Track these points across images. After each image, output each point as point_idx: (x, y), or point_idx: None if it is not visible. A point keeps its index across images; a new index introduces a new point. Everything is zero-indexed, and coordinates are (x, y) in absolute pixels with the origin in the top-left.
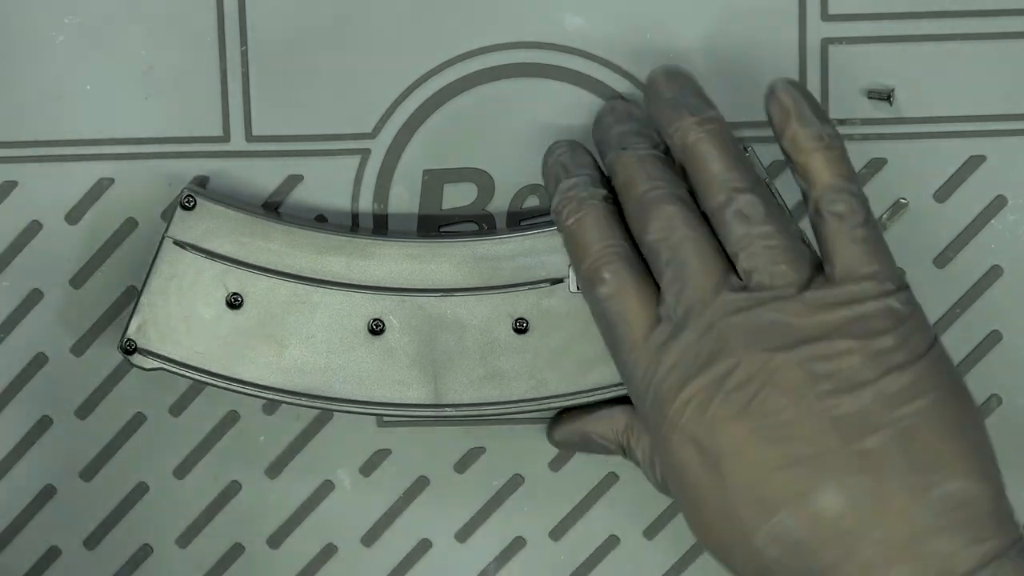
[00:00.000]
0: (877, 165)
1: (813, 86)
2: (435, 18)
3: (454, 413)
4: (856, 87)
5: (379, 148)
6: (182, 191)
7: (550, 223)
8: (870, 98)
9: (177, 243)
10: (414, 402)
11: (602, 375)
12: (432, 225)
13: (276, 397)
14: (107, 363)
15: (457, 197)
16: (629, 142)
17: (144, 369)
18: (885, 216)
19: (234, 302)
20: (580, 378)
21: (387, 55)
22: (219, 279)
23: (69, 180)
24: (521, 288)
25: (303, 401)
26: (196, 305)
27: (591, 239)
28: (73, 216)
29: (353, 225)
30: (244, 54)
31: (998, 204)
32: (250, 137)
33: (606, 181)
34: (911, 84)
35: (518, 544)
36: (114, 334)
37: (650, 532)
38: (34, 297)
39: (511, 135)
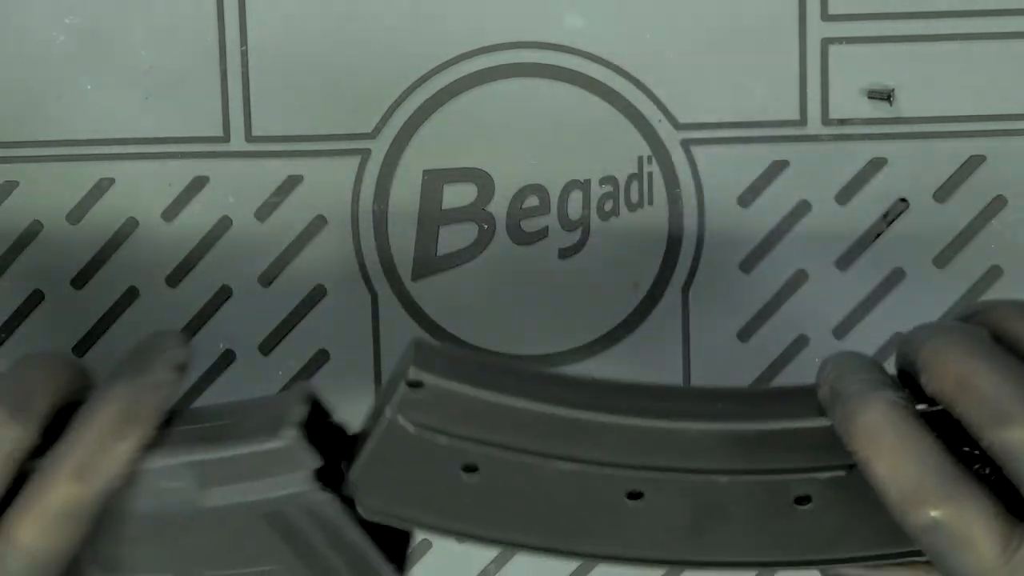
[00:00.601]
0: (877, 165)
1: (813, 86)
2: (435, 18)
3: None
4: (856, 87)
5: (379, 148)
6: (407, 370)
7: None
8: (870, 98)
9: (403, 422)
10: (676, 558)
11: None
12: (432, 225)
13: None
14: (108, 364)
15: (457, 197)
16: None
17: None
18: (885, 216)
19: (468, 468)
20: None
21: (387, 55)
22: (450, 452)
23: (70, 180)
24: (803, 473)
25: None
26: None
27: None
28: (74, 216)
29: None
30: (244, 54)
31: (998, 204)
32: (250, 137)
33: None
34: (911, 84)
35: None
36: (115, 334)
37: None
38: (35, 298)
39: (511, 135)
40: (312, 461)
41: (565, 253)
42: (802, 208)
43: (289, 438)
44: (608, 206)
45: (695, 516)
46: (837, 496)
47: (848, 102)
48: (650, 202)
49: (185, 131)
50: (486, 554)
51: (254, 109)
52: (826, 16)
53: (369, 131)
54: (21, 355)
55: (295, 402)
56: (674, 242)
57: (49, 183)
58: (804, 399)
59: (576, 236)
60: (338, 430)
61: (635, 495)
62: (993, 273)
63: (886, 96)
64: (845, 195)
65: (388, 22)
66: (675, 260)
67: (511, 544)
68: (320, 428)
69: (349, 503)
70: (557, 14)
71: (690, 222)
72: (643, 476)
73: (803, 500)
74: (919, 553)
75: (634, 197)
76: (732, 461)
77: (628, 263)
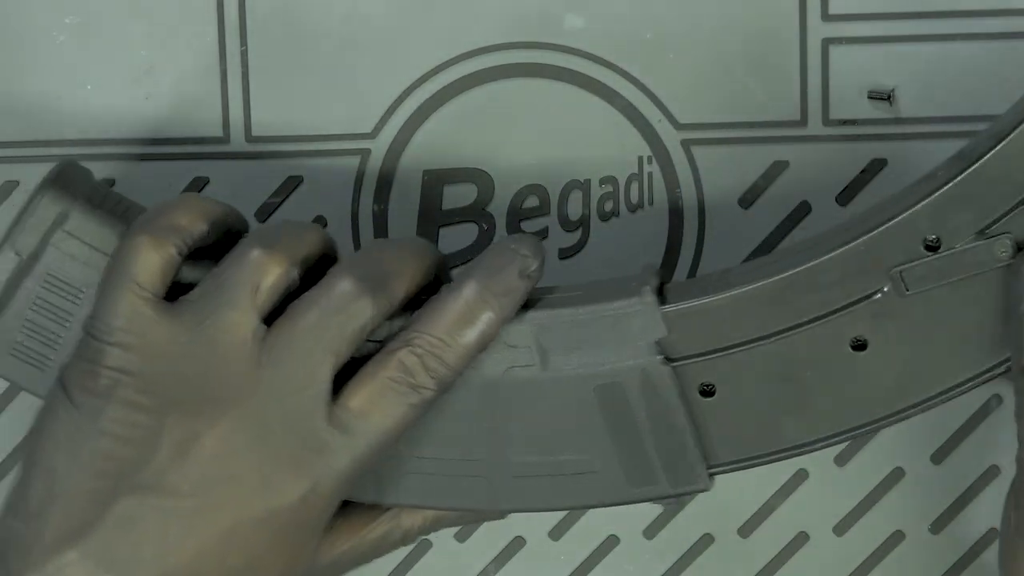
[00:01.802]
0: (877, 165)
1: (813, 86)
2: (435, 18)
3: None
4: (856, 87)
5: (379, 148)
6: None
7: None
8: (870, 98)
9: None
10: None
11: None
12: (432, 225)
13: None
14: None
15: (457, 197)
16: None
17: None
18: None
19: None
20: (943, 377)
21: (387, 55)
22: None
23: None
24: (848, 309)
25: None
26: None
27: None
28: None
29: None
30: (244, 54)
31: None
32: (250, 137)
33: None
34: (911, 84)
35: (518, 544)
36: None
37: (650, 532)
38: None
39: (511, 135)
40: (660, 329)
41: (565, 253)
42: (802, 208)
43: (647, 301)
44: (608, 206)
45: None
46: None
47: (848, 102)
48: (650, 202)
49: (185, 131)
50: (486, 554)
51: (254, 109)
52: (826, 16)
53: (369, 131)
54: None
55: (647, 275)
56: (674, 242)
57: None
58: None
59: (576, 236)
60: None
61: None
62: None
63: (886, 96)
64: (846, 196)
65: (388, 22)
66: (675, 260)
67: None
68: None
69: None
70: (557, 14)
71: (690, 222)
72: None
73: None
74: (990, 371)
75: (634, 197)
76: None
77: (628, 263)
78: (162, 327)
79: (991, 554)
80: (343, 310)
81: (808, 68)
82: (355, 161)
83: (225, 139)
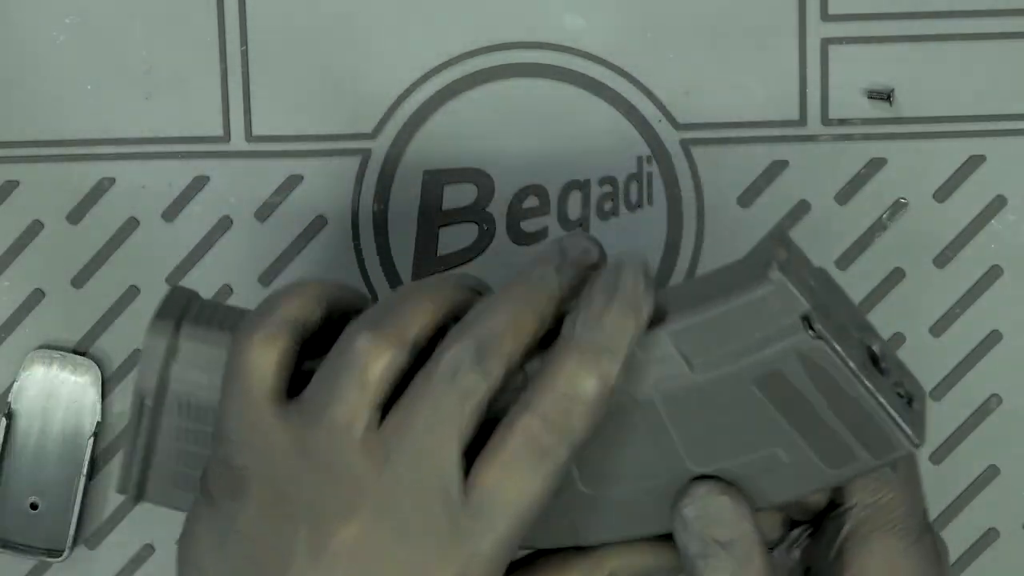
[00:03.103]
0: (877, 165)
1: (813, 86)
2: (435, 18)
3: None
4: (856, 87)
5: (379, 148)
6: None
7: None
8: (870, 98)
9: None
10: None
11: None
12: (432, 225)
13: None
14: (109, 363)
15: (457, 197)
16: None
17: None
18: (885, 216)
19: None
20: None
21: (387, 55)
22: None
23: (70, 180)
24: None
25: None
26: None
27: None
28: (74, 216)
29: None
30: (244, 54)
31: (998, 204)
32: (250, 137)
33: None
34: (911, 84)
35: None
36: (115, 333)
37: None
38: (36, 297)
39: (511, 135)
40: (799, 304)
41: None
42: (802, 208)
43: (776, 280)
44: (608, 206)
45: None
46: None
47: (848, 102)
48: (650, 202)
49: (185, 131)
50: None
51: (254, 109)
52: (826, 16)
53: (369, 131)
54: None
55: (773, 247)
56: (674, 242)
57: (49, 183)
58: None
59: None
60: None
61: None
62: (993, 273)
63: (886, 96)
64: (845, 195)
65: (388, 22)
66: (675, 260)
67: None
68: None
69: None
70: (557, 14)
71: (690, 222)
72: None
73: None
74: None
75: (634, 197)
76: None
77: None
78: (280, 428)
79: (991, 554)
80: (459, 387)
81: (807, 68)
82: (355, 161)
83: (225, 139)
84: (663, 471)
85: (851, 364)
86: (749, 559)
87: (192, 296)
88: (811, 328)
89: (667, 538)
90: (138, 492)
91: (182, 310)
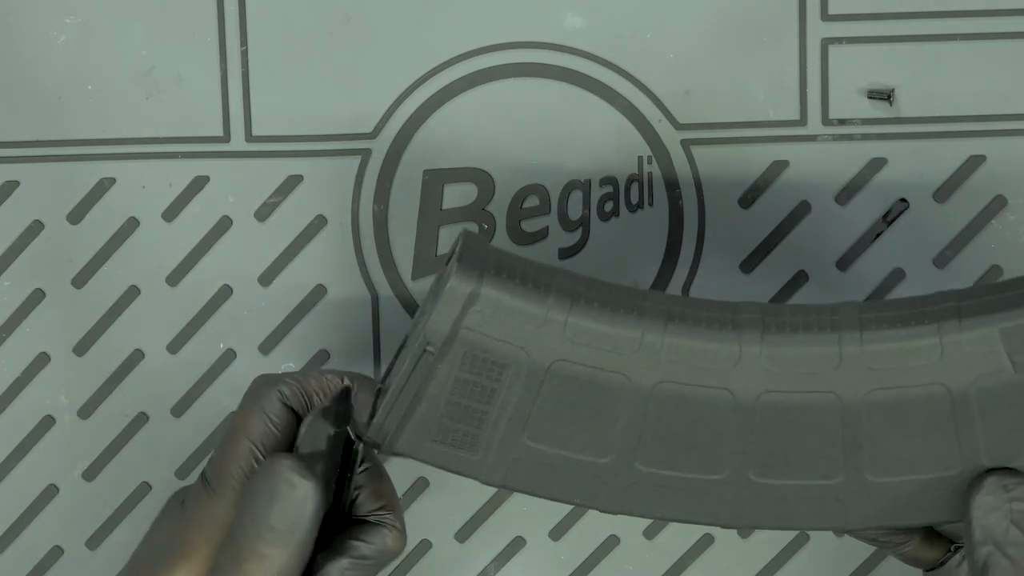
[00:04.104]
0: (877, 165)
1: (813, 86)
2: (435, 18)
3: None
4: (856, 87)
5: (379, 148)
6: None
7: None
8: (870, 98)
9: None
10: None
11: None
12: (432, 225)
13: None
14: (109, 362)
15: (457, 197)
16: None
17: None
18: (885, 216)
19: None
20: None
21: (387, 55)
22: None
23: (71, 180)
24: None
25: None
26: None
27: None
28: (75, 216)
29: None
30: (244, 54)
31: (998, 204)
32: (250, 137)
33: None
34: (911, 84)
35: (518, 544)
36: (115, 333)
37: (650, 532)
38: (36, 297)
39: (511, 135)
40: None
41: (565, 253)
42: (802, 208)
43: None
44: (608, 206)
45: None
46: None
47: (848, 102)
48: (650, 202)
49: (185, 131)
50: (486, 554)
51: (254, 109)
52: (826, 16)
53: (369, 131)
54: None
55: None
56: (674, 242)
57: (49, 183)
58: None
59: (576, 236)
60: None
61: None
62: (993, 273)
63: (886, 96)
64: (845, 195)
65: (388, 22)
66: (675, 260)
67: None
68: None
69: None
70: (557, 14)
71: (690, 222)
72: None
73: None
74: None
75: (634, 197)
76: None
77: (628, 263)
78: None
79: None
80: None
81: (808, 68)
82: (355, 161)
83: (225, 139)
84: (956, 464)
85: None
86: None
87: (487, 243)
88: None
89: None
90: (390, 442)
91: (484, 256)
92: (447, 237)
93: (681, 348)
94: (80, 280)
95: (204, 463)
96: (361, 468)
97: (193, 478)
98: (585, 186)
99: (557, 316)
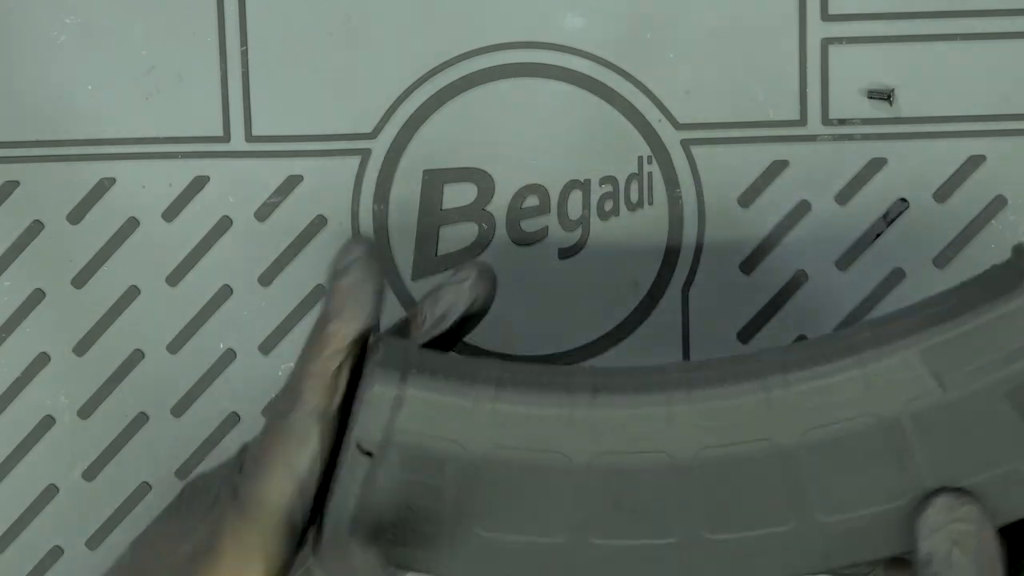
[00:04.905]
0: (877, 165)
1: (813, 86)
2: (435, 18)
3: None
4: (856, 87)
5: (379, 148)
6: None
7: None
8: (870, 98)
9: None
10: None
11: None
12: (432, 225)
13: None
14: (109, 362)
15: (457, 197)
16: None
17: None
18: (885, 216)
19: None
20: None
21: (387, 55)
22: None
23: (71, 180)
24: None
25: None
26: None
27: None
28: (75, 216)
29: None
30: (244, 54)
31: (998, 204)
32: (250, 137)
33: None
34: (911, 84)
35: None
36: (115, 333)
37: None
38: (36, 297)
39: (511, 135)
40: None
41: (565, 253)
42: (802, 208)
43: None
44: (608, 206)
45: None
46: None
47: (848, 102)
48: (650, 202)
49: (185, 131)
50: None
51: (254, 109)
52: (826, 16)
53: (369, 131)
54: (22, 354)
55: (1020, 258)
56: (674, 242)
57: (49, 183)
58: None
59: (576, 236)
60: None
61: None
62: None
63: (886, 96)
64: (845, 195)
65: (388, 22)
66: (675, 260)
67: None
68: None
69: None
70: (557, 14)
71: (690, 222)
72: None
73: None
74: None
75: (634, 197)
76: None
77: (628, 263)
78: None
79: None
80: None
81: (808, 68)
82: (355, 161)
83: (225, 139)
84: (904, 492)
85: None
86: (994, 570)
87: (409, 345)
88: None
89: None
90: (340, 554)
91: (405, 360)
92: (447, 237)
93: (612, 419)
94: (80, 280)
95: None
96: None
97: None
98: (585, 186)
99: (484, 405)
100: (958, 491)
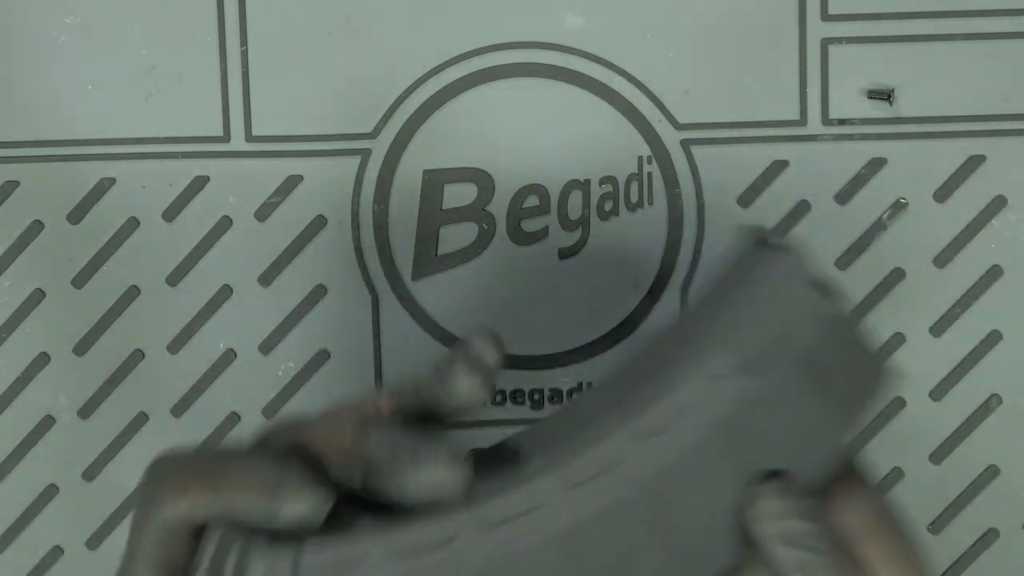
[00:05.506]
0: (877, 165)
1: (813, 86)
2: (435, 18)
3: None
4: (856, 87)
5: (379, 148)
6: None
7: None
8: (870, 98)
9: None
10: None
11: None
12: (432, 225)
13: None
14: (109, 362)
15: (457, 197)
16: None
17: None
18: (885, 216)
19: None
20: None
21: (387, 55)
22: None
23: (71, 180)
24: None
25: None
26: None
27: None
28: (75, 216)
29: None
30: (244, 54)
31: (998, 204)
32: (250, 137)
33: None
34: (911, 84)
35: None
36: (115, 334)
37: None
38: (36, 297)
39: (511, 135)
40: (804, 270)
41: (565, 253)
42: (802, 208)
43: (784, 252)
44: (608, 206)
45: None
46: None
47: (848, 102)
48: (650, 202)
49: (185, 131)
50: None
51: (254, 109)
52: (826, 16)
53: (369, 131)
54: (22, 354)
55: (753, 238)
56: (674, 242)
57: (49, 183)
58: None
59: (576, 236)
60: None
61: None
62: (993, 273)
63: (886, 96)
64: (845, 195)
65: (388, 22)
66: (675, 260)
67: None
68: None
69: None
70: (557, 14)
71: (690, 222)
72: None
73: None
74: None
75: (634, 197)
76: None
77: (628, 263)
78: None
79: (991, 554)
80: None
81: (807, 68)
82: (355, 161)
83: (225, 139)
84: (730, 496)
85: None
86: (832, 543)
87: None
88: (817, 288)
89: None
90: None
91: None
92: (447, 237)
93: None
94: (80, 280)
95: None
96: None
97: None
98: (585, 186)
99: None
100: (775, 475)
